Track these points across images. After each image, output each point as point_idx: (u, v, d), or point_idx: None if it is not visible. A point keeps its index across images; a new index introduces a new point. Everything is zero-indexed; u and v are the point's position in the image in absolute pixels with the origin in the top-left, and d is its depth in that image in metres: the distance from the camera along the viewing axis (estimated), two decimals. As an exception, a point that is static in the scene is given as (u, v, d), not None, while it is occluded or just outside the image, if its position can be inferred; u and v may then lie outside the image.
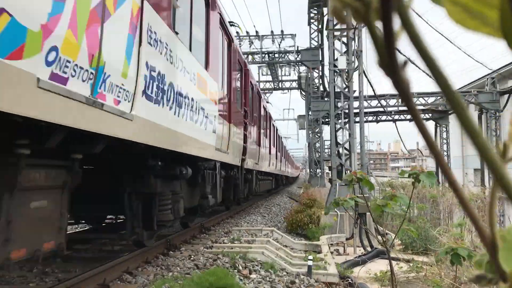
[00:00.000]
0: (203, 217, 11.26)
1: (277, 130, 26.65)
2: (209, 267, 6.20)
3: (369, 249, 10.05)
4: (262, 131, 17.00)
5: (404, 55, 0.34)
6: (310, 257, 7.19)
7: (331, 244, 10.34)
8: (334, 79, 15.41)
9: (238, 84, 11.96)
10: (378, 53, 0.32)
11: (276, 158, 24.60)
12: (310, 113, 30.55)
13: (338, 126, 15.63)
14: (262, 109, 17.69)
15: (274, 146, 23.08)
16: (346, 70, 15.14)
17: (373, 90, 21.87)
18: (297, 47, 28.33)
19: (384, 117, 29.34)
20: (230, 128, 9.78)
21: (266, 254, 7.41)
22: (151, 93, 4.52)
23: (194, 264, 6.63)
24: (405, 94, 0.33)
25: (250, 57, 28.21)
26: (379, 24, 0.32)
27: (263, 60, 29.17)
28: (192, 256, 7.17)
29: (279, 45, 28.91)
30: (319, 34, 28.61)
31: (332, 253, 9.31)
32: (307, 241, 10.52)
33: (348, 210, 9.80)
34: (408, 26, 0.31)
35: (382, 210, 3.53)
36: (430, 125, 30.67)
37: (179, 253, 7.47)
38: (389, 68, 0.32)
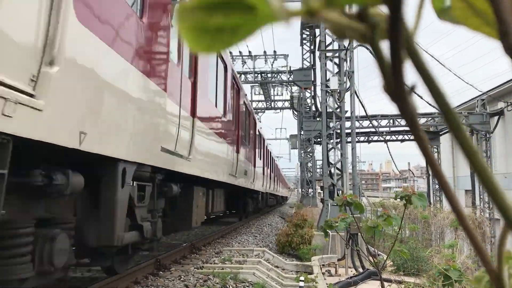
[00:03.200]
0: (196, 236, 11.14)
1: (270, 152, 27.03)
2: (199, 288, 6.12)
3: (360, 270, 9.99)
4: (257, 152, 17.09)
5: (411, 81, 0.34)
6: (302, 278, 7.13)
7: (323, 265, 10.26)
8: (326, 99, 15.51)
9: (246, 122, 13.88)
10: (384, 78, 0.31)
11: (270, 178, 24.66)
12: (302, 132, 30.68)
13: (330, 146, 15.68)
14: (257, 133, 17.96)
15: (267, 167, 23.18)
16: (338, 91, 15.27)
17: (365, 111, 22.06)
18: (290, 67, 28.59)
19: (375, 138, 29.49)
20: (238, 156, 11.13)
21: (257, 275, 7.32)
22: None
23: (184, 285, 6.53)
24: (411, 121, 0.32)
25: (243, 76, 28.39)
26: (384, 47, 0.32)
27: (255, 79, 29.35)
28: (182, 277, 7.07)
29: (272, 65, 29.17)
30: (311, 55, 28.92)
31: (323, 274, 9.23)
32: (299, 261, 10.44)
33: (338, 231, 9.77)
34: (412, 51, 0.31)
35: (374, 231, 3.52)
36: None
37: (169, 273, 7.36)
38: (395, 94, 0.31)
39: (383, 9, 0.30)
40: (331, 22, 0.31)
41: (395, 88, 0.31)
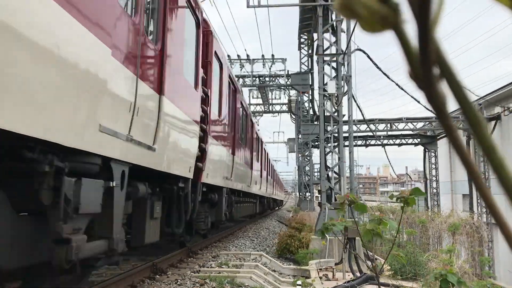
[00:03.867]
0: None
1: (268, 154, 26.97)
2: (196, 292, 6.08)
3: (358, 274, 9.96)
4: (254, 155, 17.05)
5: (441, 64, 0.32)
6: (299, 282, 7.11)
7: (320, 269, 10.23)
8: (323, 103, 15.52)
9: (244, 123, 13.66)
10: (410, 64, 0.29)
11: (267, 182, 24.60)
12: (300, 136, 30.68)
13: (327, 149, 15.67)
14: (255, 136, 17.93)
15: (265, 170, 23.12)
16: (336, 95, 15.28)
17: (362, 115, 22.08)
18: (288, 71, 28.61)
19: (373, 142, 29.50)
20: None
21: (254, 279, 7.30)
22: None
23: (181, 289, 6.50)
24: (440, 109, 0.30)
25: (241, 80, 28.40)
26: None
27: (253, 83, 29.37)
28: (179, 281, 7.04)
29: (270, 69, 29.18)
30: (309, 59, 28.97)
31: (321, 278, 9.20)
32: (296, 265, 10.41)
33: (338, 235, 9.75)
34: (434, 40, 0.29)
35: (372, 235, 3.50)
36: (419, 151, 30.92)
37: (165, 277, 7.33)
38: (423, 80, 0.29)
39: None
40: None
41: (423, 74, 0.29)
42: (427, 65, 0.29)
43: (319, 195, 16.78)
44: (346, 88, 15.68)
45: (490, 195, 0.31)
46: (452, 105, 0.31)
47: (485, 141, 0.29)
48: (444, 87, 0.30)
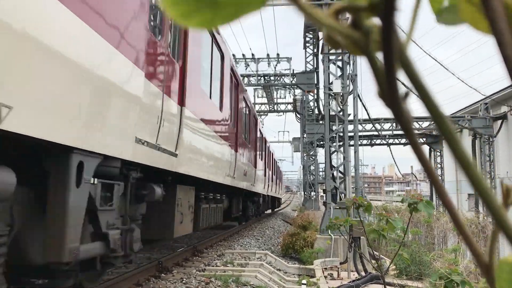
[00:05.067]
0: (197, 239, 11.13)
1: (272, 153, 26.86)
2: (201, 291, 6.11)
3: (363, 273, 9.96)
4: (258, 153, 17.06)
5: (406, 86, 0.34)
6: (304, 281, 7.11)
7: (325, 268, 10.23)
8: (329, 103, 15.50)
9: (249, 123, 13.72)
10: (378, 84, 0.32)
11: (272, 181, 24.57)
12: (305, 135, 30.66)
13: (332, 149, 15.66)
14: (258, 134, 17.92)
15: (269, 168, 23.06)
16: (341, 94, 15.26)
17: (368, 114, 22.03)
18: (293, 70, 28.61)
19: (378, 141, 29.45)
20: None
21: (259, 278, 7.31)
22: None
23: (186, 287, 6.53)
24: (406, 126, 0.32)
25: (246, 79, 28.40)
26: (378, 55, 0.32)
27: (258, 82, 29.37)
28: (184, 279, 7.07)
29: (275, 68, 29.18)
30: (315, 58, 28.91)
31: (325, 277, 9.21)
32: (301, 264, 10.42)
33: (343, 234, 9.75)
34: (404, 59, 0.31)
35: (379, 234, 3.51)
36: (424, 150, 30.83)
37: (171, 276, 7.36)
38: (389, 99, 0.32)
39: (376, 21, 0.31)
40: (327, 27, 0.31)
41: (389, 94, 0.31)
42: (392, 87, 0.31)
43: (324, 195, 16.76)
44: (351, 87, 15.65)
45: (448, 199, 0.33)
46: (452, 107, 0.33)
47: (460, 155, 0.31)
48: (414, 104, 0.32)
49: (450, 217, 0.33)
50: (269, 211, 30.47)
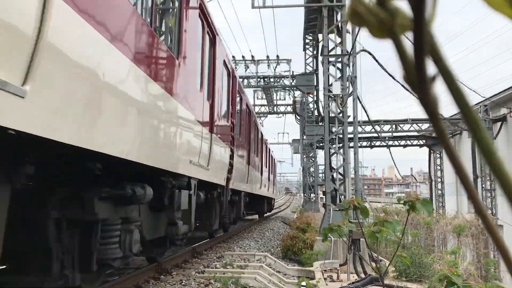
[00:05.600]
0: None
1: (269, 149, 25.24)
2: (201, 293, 6.10)
3: (363, 275, 9.94)
4: (263, 161, 16.66)
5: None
6: (303, 283, 7.10)
7: (325, 270, 10.22)
8: (328, 104, 15.50)
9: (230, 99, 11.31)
10: (404, 67, 0.31)
11: (269, 180, 24.12)
12: (304, 137, 30.66)
13: (332, 151, 15.65)
14: (264, 147, 17.28)
15: (266, 167, 22.22)
16: (341, 96, 15.26)
17: (367, 116, 22.00)
18: (292, 72, 28.62)
19: (378, 143, 29.46)
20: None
21: (259, 280, 7.30)
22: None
23: (185, 289, 6.52)
24: (432, 111, 0.31)
25: (245, 81, 28.41)
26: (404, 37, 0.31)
27: (258, 84, 29.39)
28: (184, 281, 7.06)
29: (275, 69, 29.21)
30: (314, 60, 28.93)
31: (325, 279, 9.20)
32: (301, 266, 10.40)
33: (342, 236, 9.73)
34: (432, 43, 0.30)
35: (377, 236, 3.50)
36: (424, 152, 30.83)
37: (170, 278, 7.35)
38: (416, 84, 0.31)
39: (402, 3, 0.30)
40: (355, 3, 0.30)
41: (417, 78, 0.30)
42: (421, 70, 0.30)
43: (324, 196, 16.75)
44: (351, 89, 15.65)
45: (477, 197, 0.32)
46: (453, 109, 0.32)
47: (484, 144, 0.30)
48: (441, 90, 0.31)
49: (481, 220, 0.32)
50: (256, 216, 24.86)
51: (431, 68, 0.31)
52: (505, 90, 23.71)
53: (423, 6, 0.28)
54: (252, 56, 29.07)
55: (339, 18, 15.97)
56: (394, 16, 0.30)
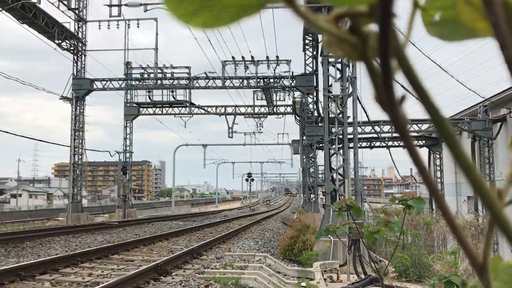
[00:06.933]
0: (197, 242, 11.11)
1: None
2: (201, 293, 6.10)
3: (362, 276, 9.95)
4: None
5: (404, 89, 0.34)
6: (303, 283, 7.10)
7: (325, 271, 10.23)
8: (328, 105, 15.51)
9: None
10: (375, 88, 0.32)
11: None
12: (304, 138, 30.67)
13: (332, 151, 15.66)
14: None
15: None
16: (340, 96, 15.27)
17: (367, 116, 22.07)
18: (292, 72, 28.60)
19: (378, 143, 29.45)
20: None
21: (259, 281, 7.31)
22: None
23: (185, 290, 6.52)
24: (402, 130, 0.32)
25: (245, 81, 28.43)
26: (375, 60, 0.32)
27: (258, 85, 29.37)
28: (184, 282, 7.07)
29: (274, 70, 29.18)
30: (314, 60, 28.96)
31: (325, 280, 9.20)
32: (300, 267, 10.41)
33: (341, 237, 9.74)
34: (403, 62, 0.31)
35: (375, 237, 3.51)
36: (423, 152, 30.84)
37: (170, 278, 7.36)
38: (386, 104, 0.32)
39: (374, 27, 0.31)
40: (326, 32, 0.32)
41: (386, 98, 0.32)
42: (389, 90, 0.31)
43: (324, 197, 16.76)
44: (351, 89, 15.66)
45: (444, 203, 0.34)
46: (453, 108, 0.33)
47: (460, 157, 0.31)
48: (413, 107, 0.33)
49: (445, 218, 0.34)
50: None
51: (399, 89, 0.33)
52: (505, 91, 23.72)
53: (389, 29, 0.30)
54: (252, 57, 29.06)
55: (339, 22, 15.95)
56: (366, 41, 0.32)
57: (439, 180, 29.64)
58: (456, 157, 0.31)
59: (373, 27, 0.32)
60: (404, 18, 0.36)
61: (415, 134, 28.35)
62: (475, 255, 0.34)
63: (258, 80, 28.99)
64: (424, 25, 0.36)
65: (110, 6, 26.88)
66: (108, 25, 27.45)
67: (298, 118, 33.44)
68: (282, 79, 29.02)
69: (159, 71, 28.84)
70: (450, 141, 0.31)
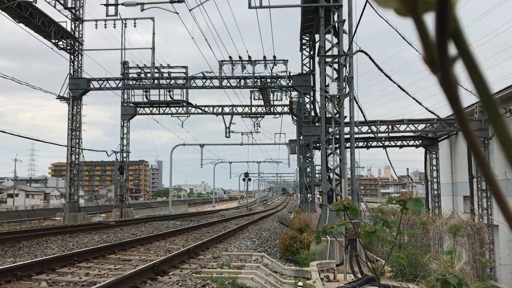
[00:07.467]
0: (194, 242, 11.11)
1: None
2: (198, 293, 6.10)
3: (359, 275, 9.97)
4: None
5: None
6: (300, 283, 7.12)
7: (321, 270, 10.24)
8: (325, 105, 15.53)
9: None
10: (424, 47, 0.30)
11: None
12: (301, 138, 30.69)
13: (329, 151, 15.68)
14: None
15: None
16: (337, 96, 15.29)
17: (364, 116, 22.09)
18: (289, 72, 28.61)
19: (374, 143, 29.50)
20: None
21: (256, 280, 7.31)
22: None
23: (182, 290, 6.52)
24: (452, 93, 0.30)
25: (242, 81, 28.42)
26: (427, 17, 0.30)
27: (255, 84, 29.38)
28: (180, 282, 7.07)
29: (271, 70, 29.19)
30: (311, 60, 28.98)
31: (322, 279, 9.22)
32: (297, 267, 10.42)
33: (338, 236, 9.76)
34: (455, 24, 0.29)
35: (372, 237, 3.52)
36: (420, 152, 30.88)
37: (167, 278, 7.36)
38: (436, 65, 0.30)
39: None
40: None
41: (438, 58, 0.29)
42: (442, 50, 0.29)
43: (321, 197, 16.78)
44: (347, 89, 15.69)
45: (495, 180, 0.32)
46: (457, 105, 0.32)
47: (502, 133, 0.30)
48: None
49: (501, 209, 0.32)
50: None
51: (452, 49, 0.30)
52: (500, 91, 23.79)
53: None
54: (249, 57, 29.06)
55: (336, 19, 15.99)
56: None
57: (435, 179, 29.71)
58: (498, 132, 0.30)
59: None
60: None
61: (412, 134, 28.40)
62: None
63: (255, 80, 28.99)
64: None
65: (107, 5, 26.80)
66: (105, 25, 27.40)
67: (295, 118, 33.46)
68: (279, 79, 29.02)
69: (156, 70, 28.81)
70: (494, 117, 0.29)
